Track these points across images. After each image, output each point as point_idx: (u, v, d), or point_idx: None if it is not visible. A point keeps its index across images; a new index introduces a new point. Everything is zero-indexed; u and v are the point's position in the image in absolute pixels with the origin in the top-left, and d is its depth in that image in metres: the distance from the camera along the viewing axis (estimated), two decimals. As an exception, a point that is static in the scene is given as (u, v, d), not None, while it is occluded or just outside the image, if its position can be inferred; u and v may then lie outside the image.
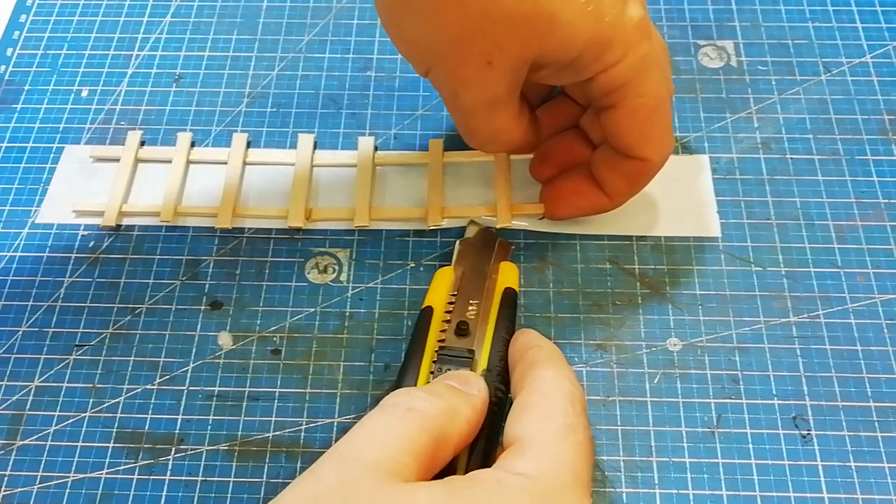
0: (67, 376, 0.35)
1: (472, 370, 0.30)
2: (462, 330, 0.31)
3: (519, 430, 0.26)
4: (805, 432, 0.33)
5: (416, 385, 0.30)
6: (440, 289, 0.33)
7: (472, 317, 0.32)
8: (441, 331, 0.32)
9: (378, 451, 0.24)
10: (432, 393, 0.26)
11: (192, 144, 0.40)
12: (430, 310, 0.32)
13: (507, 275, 0.34)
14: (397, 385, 0.30)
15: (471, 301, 0.32)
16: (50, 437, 0.33)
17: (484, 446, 0.28)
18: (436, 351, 0.31)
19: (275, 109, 0.41)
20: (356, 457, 0.24)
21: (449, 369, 0.30)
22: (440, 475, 0.25)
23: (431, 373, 0.30)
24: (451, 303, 0.32)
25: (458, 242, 0.36)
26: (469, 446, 0.27)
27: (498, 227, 0.37)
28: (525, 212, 0.37)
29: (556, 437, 0.25)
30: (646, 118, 0.32)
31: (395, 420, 0.25)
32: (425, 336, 0.31)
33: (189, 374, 0.35)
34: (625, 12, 0.30)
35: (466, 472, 0.27)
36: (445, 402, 0.26)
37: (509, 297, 0.33)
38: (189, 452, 0.33)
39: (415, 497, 0.23)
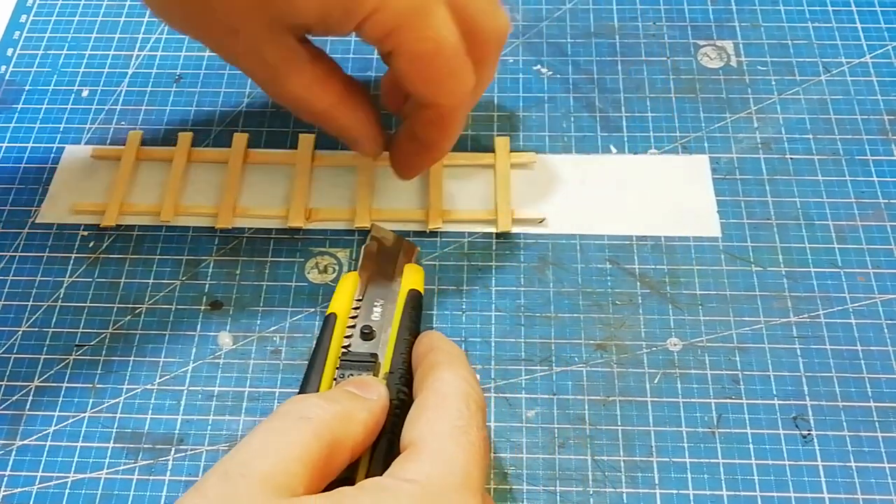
0: (67, 376, 0.35)
1: (374, 374, 0.30)
2: (366, 334, 0.31)
3: (412, 433, 0.26)
4: (805, 432, 0.33)
5: (318, 392, 0.29)
6: (344, 294, 0.33)
7: (377, 319, 0.32)
8: (347, 336, 0.31)
9: (266, 462, 0.23)
10: (327, 399, 0.26)
11: (193, 144, 0.40)
12: (333, 316, 0.32)
13: (412, 277, 0.34)
14: (300, 393, 0.29)
15: (375, 304, 0.33)
16: (50, 437, 0.33)
17: (385, 449, 0.27)
18: (339, 357, 0.31)
19: (275, 109, 0.41)
20: (242, 471, 0.23)
21: (352, 374, 0.30)
22: (338, 480, 0.25)
23: (335, 379, 0.30)
24: (356, 308, 0.32)
25: (363, 248, 0.35)
26: (370, 450, 0.27)
27: (498, 231, 0.37)
28: (525, 216, 0.38)
29: (447, 439, 0.25)
30: (428, 63, 0.31)
31: (287, 428, 0.24)
32: (328, 342, 0.31)
33: (189, 374, 0.35)
34: None
35: (367, 476, 0.26)
36: (340, 407, 0.26)
37: (413, 298, 0.33)
38: (189, 452, 0.33)
39: None
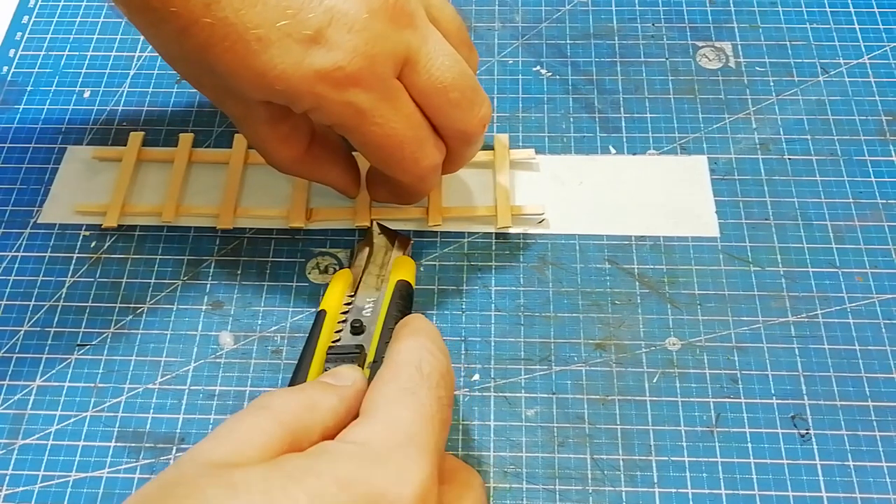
0: (69, 376, 0.35)
1: (360, 364, 0.30)
2: (356, 328, 0.31)
3: (365, 402, 0.26)
4: (803, 432, 0.33)
5: None
6: (336, 291, 0.33)
7: (368, 315, 0.32)
8: (338, 331, 0.32)
9: (218, 448, 0.24)
10: (291, 390, 0.27)
11: (194, 145, 0.40)
12: (323, 313, 0.32)
13: (402, 268, 0.34)
14: None
15: (367, 300, 0.33)
16: (51, 437, 0.33)
17: None
18: (326, 351, 0.31)
19: (276, 110, 0.42)
20: (194, 456, 0.24)
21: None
22: None
23: (323, 373, 0.30)
24: (348, 303, 0.33)
25: (357, 244, 0.36)
26: None
27: (498, 227, 0.37)
28: (525, 213, 0.38)
29: (393, 402, 0.25)
30: (376, 149, 0.31)
31: (246, 417, 0.25)
32: (316, 338, 0.31)
33: (190, 374, 0.35)
34: (302, 62, 0.28)
35: None
36: (304, 395, 0.26)
37: (401, 289, 0.32)
38: (190, 451, 0.33)
39: (230, 475, 0.23)
